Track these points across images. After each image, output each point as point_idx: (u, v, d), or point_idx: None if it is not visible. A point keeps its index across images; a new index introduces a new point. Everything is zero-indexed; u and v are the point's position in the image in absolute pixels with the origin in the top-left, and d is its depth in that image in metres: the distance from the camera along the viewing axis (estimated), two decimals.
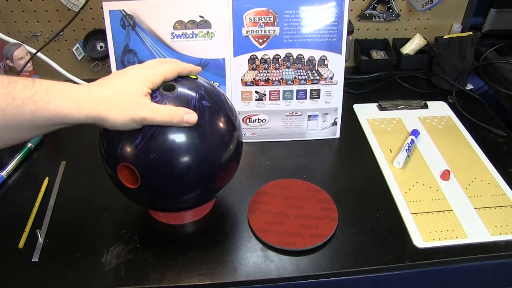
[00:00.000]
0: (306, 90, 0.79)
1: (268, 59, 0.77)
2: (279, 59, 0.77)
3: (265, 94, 0.79)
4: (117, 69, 0.76)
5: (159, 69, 0.54)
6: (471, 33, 0.95)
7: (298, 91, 0.79)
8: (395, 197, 0.70)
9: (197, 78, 0.59)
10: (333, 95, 0.80)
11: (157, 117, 0.50)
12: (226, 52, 0.76)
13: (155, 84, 0.53)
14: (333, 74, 0.78)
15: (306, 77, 0.78)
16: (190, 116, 0.52)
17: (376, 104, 0.92)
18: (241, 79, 0.78)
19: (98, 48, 0.97)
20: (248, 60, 0.77)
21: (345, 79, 0.80)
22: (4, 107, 0.44)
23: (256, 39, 0.76)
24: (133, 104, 0.50)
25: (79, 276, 0.58)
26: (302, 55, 0.77)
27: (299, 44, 0.76)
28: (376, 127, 0.86)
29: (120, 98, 0.50)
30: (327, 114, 0.82)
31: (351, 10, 1.01)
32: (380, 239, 0.64)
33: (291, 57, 0.77)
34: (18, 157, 0.76)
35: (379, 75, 1.01)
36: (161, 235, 0.64)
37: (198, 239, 0.64)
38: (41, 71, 0.93)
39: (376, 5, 1.00)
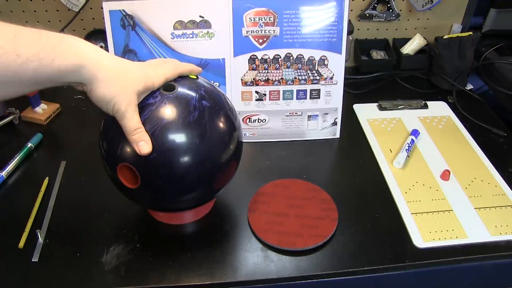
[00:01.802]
0: (306, 90, 0.79)
1: (268, 59, 0.77)
2: (279, 59, 0.77)
3: (265, 94, 0.79)
4: None
5: (160, 70, 0.54)
6: (471, 33, 0.95)
7: (298, 91, 0.79)
8: (395, 197, 0.70)
9: (197, 78, 0.59)
10: (333, 95, 0.80)
11: (125, 121, 0.50)
12: (226, 52, 0.76)
13: (155, 85, 0.53)
14: (333, 74, 0.78)
15: (306, 77, 0.78)
16: (143, 146, 0.51)
17: (376, 104, 0.92)
18: (241, 79, 0.78)
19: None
20: (248, 60, 0.77)
21: (345, 79, 0.80)
22: (8, 63, 0.42)
23: (256, 39, 0.76)
24: (123, 93, 0.50)
25: (79, 276, 0.58)
26: (302, 55, 0.77)
27: (299, 44, 0.76)
28: (376, 127, 0.86)
29: (120, 77, 0.50)
30: (327, 114, 0.82)
31: (351, 10, 1.01)
32: (380, 239, 0.64)
33: (291, 57, 0.77)
34: (18, 157, 0.76)
35: (379, 75, 1.01)
36: (161, 235, 0.64)
37: (198, 239, 0.64)
38: None
39: (376, 5, 1.00)
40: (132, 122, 0.50)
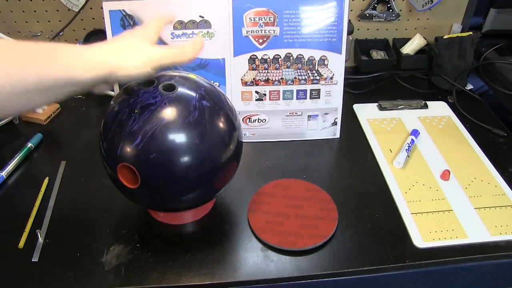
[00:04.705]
0: (306, 90, 0.79)
1: (268, 59, 0.77)
2: (279, 59, 0.77)
3: (265, 94, 0.79)
4: None
5: (149, 27, 0.55)
6: (471, 33, 0.95)
7: (298, 91, 0.79)
8: (395, 197, 0.70)
9: (197, 78, 0.59)
10: (333, 95, 0.80)
11: (169, 54, 0.53)
12: (226, 52, 0.76)
13: (153, 41, 0.54)
14: (333, 74, 0.78)
15: (306, 77, 0.78)
16: (198, 40, 0.54)
17: (376, 104, 0.92)
18: (241, 79, 0.78)
19: None
20: (248, 60, 0.77)
21: (345, 79, 0.80)
22: (9, 70, 0.43)
23: (256, 39, 0.76)
24: (144, 49, 0.51)
25: (79, 276, 0.58)
26: (302, 55, 0.77)
27: (299, 44, 0.76)
28: (376, 127, 0.86)
29: (132, 46, 0.51)
30: (327, 114, 0.82)
31: (351, 10, 1.01)
32: (380, 239, 0.64)
33: (291, 57, 0.77)
34: (18, 157, 0.76)
35: (379, 75, 1.01)
36: (161, 235, 0.64)
37: (198, 239, 0.64)
38: None
39: (376, 5, 1.00)
40: (173, 51, 0.53)
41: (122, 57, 0.49)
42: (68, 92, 0.48)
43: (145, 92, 0.54)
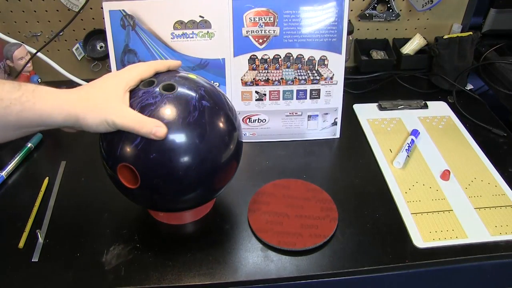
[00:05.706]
0: (306, 90, 0.79)
1: (268, 59, 0.77)
2: (279, 59, 0.77)
3: (265, 94, 0.79)
4: (117, 69, 0.76)
5: (134, 70, 0.55)
6: (471, 33, 0.95)
7: (298, 91, 0.79)
8: (395, 197, 0.70)
9: (197, 78, 0.59)
10: (333, 95, 0.80)
11: (126, 123, 0.51)
12: (226, 52, 0.76)
13: (130, 85, 0.54)
14: (333, 74, 0.78)
15: (306, 77, 0.78)
16: (159, 130, 0.50)
17: (376, 104, 0.92)
18: (241, 79, 0.78)
19: (98, 48, 0.97)
20: (248, 60, 0.77)
21: (345, 79, 0.80)
22: None
23: (256, 39, 0.76)
24: (106, 107, 0.51)
25: (79, 276, 0.58)
26: (302, 55, 0.77)
27: (299, 44, 0.76)
28: (376, 127, 0.86)
29: (95, 99, 0.51)
30: (327, 114, 0.82)
31: (351, 10, 1.01)
32: (380, 239, 0.64)
33: (291, 57, 0.77)
34: (18, 157, 0.76)
35: (379, 75, 1.01)
36: (161, 235, 0.64)
37: (198, 239, 0.64)
38: (41, 71, 0.93)
39: (376, 5, 1.00)
40: (132, 121, 0.51)
41: (83, 109, 0.50)
42: (38, 130, 0.52)
43: (145, 92, 0.54)
